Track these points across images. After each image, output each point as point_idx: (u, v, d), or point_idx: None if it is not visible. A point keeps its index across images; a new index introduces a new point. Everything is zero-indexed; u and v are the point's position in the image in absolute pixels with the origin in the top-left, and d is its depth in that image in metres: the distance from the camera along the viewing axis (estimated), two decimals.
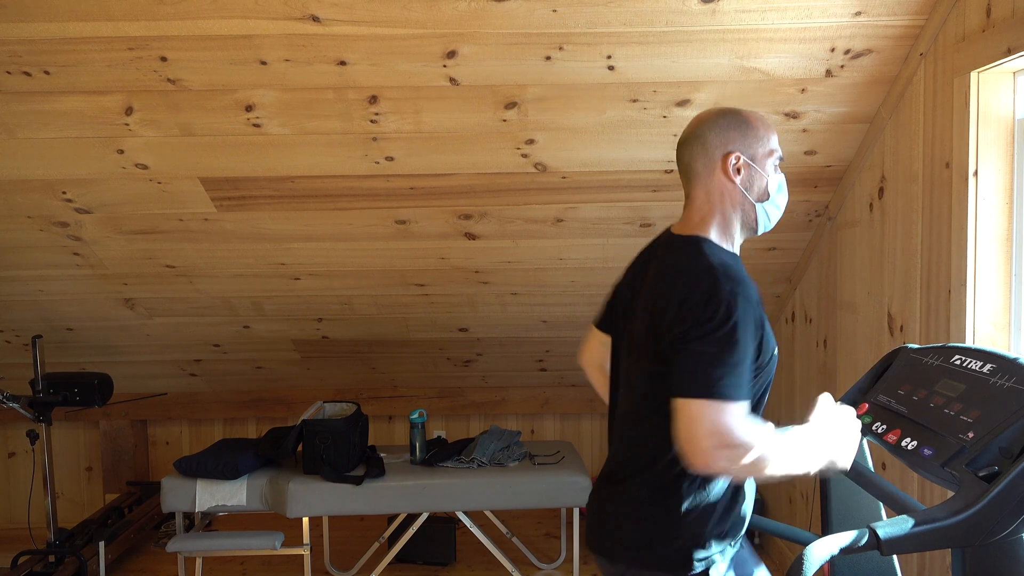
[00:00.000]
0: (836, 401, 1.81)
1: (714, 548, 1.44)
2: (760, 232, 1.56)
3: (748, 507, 1.51)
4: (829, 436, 1.45)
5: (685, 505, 1.43)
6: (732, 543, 1.48)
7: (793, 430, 1.40)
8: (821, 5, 2.19)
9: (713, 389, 1.30)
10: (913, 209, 2.36)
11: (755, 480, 1.43)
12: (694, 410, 1.31)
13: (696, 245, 1.47)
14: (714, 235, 1.49)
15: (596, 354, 1.75)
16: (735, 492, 1.47)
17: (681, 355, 1.35)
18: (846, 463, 1.47)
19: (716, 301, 1.35)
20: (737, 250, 1.54)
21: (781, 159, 1.54)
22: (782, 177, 1.55)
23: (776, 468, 1.34)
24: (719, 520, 1.45)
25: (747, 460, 1.29)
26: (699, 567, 1.43)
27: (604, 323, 1.71)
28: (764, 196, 1.52)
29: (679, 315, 1.36)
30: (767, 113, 2.49)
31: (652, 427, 1.44)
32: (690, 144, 1.52)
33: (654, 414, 1.42)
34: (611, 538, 1.52)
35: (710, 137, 1.49)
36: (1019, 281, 2.07)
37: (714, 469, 1.31)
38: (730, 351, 1.33)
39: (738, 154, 1.48)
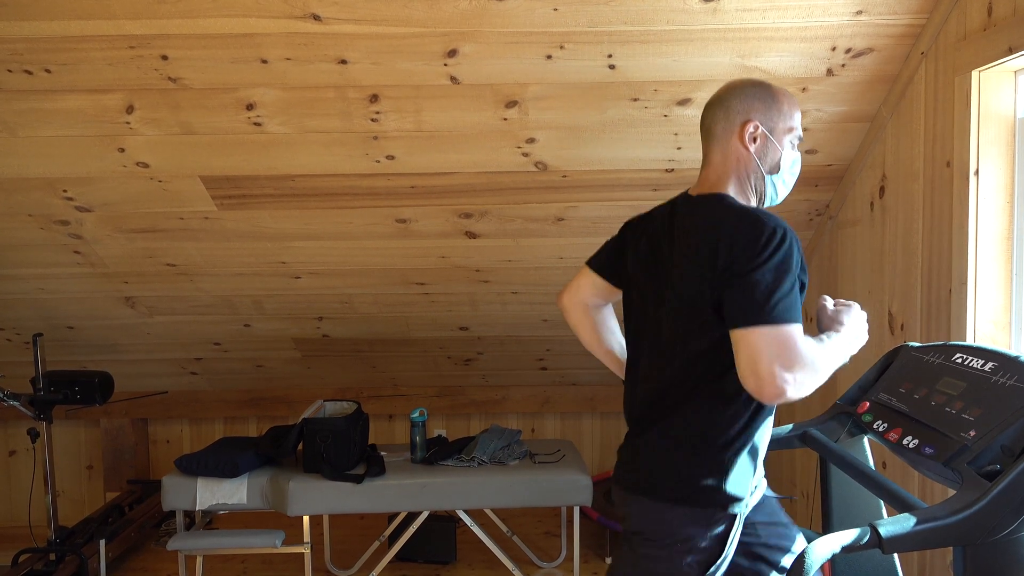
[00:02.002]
0: (837, 399, 1.81)
1: (745, 484, 1.49)
2: (767, 205, 1.59)
3: (766, 443, 1.57)
4: (854, 332, 1.55)
5: (720, 441, 1.48)
6: (757, 481, 1.54)
7: (832, 338, 1.50)
8: (822, 4, 2.19)
9: (772, 315, 1.34)
10: (914, 208, 2.36)
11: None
12: (754, 338, 1.35)
13: (722, 199, 1.52)
14: (732, 194, 1.54)
15: (584, 293, 1.80)
16: (759, 429, 1.52)
17: (737, 289, 1.38)
18: (863, 343, 1.58)
19: (764, 235, 1.39)
20: None
21: (800, 139, 1.59)
22: (798, 155, 1.60)
23: (826, 376, 1.41)
24: (749, 457, 1.50)
25: (809, 378, 1.35)
26: (733, 503, 1.48)
27: (606, 271, 1.75)
28: (775, 169, 1.56)
29: (732, 257, 1.40)
30: None
31: (685, 371, 1.49)
32: (714, 108, 1.57)
33: (703, 362, 1.47)
34: (651, 476, 1.55)
35: (734, 103, 1.54)
36: (1020, 280, 2.08)
37: (783, 394, 1.34)
38: (782, 277, 1.37)
39: (757, 123, 1.53)
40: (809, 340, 1.41)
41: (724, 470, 1.48)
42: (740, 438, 1.49)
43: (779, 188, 1.59)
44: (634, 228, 1.69)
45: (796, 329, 1.35)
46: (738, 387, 1.41)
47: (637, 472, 1.57)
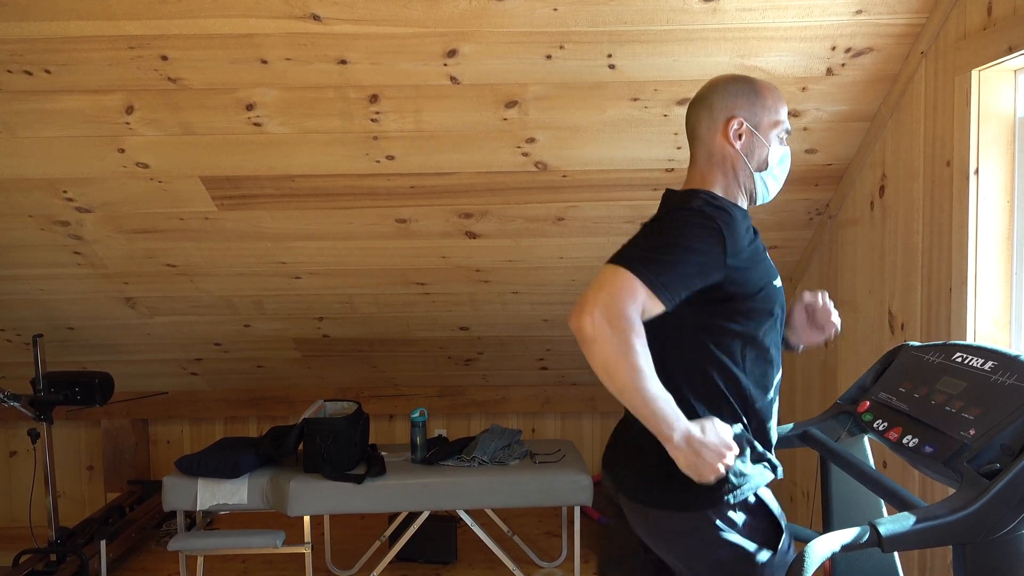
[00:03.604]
0: (837, 399, 1.81)
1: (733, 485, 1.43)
2: (758, 203, 1.57)
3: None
4: (682, 439, 1.32)
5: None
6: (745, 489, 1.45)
7: (667, 400, 1.31)
8: (822, 4, 2.19)
9: (631, 262, 1.33)
10: (914, 207, 2.36)
11: (611, 384, 1.31)
12: (604, 272, 1.33)
13: (692, 193, 1.50)
14: (719, 191, 1.52)
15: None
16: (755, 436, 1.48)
17: (629, 241, 1.40)
18: (698, 478, 1.35)
19: (679, 210, 1.41)
20: (745, 208, 1.56)
21: (788, 132, 1.55)
22: (786, 150, 1.56)
23: (620, 386, 1.29)
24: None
25: (610, 341, 1.26)
26: (711, 501, 1.42)
27: None
28: (763, 166, 1.53)
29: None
30: None
31: (678, 373, 1.45)
32: (697, 106, 1.55)
33: (660, 360, 1.39)
34: (630, 477, 1.53)
35: (716, 100, 1.51)
36: (1020, 279, 2.08)
37: (581, 327, 1.28)
38: (667, 245, 1.36)
39: (741, 120, 1.50)
40: (645, 353, 1.28)
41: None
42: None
43: (770, 185, 1.55)
44: None
45: (638, 286, 1.29)
46: (721, 385, 1.41)
47: (615, 465, 1.58)
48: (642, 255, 1.35)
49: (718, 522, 1.42)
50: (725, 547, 1.42)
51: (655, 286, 1.31)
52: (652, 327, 1.35)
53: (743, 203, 1.55)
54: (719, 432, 1.35)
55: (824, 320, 1.70)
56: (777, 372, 1.54)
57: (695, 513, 1.43)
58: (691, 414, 1.41)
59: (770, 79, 2.40)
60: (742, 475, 1.43)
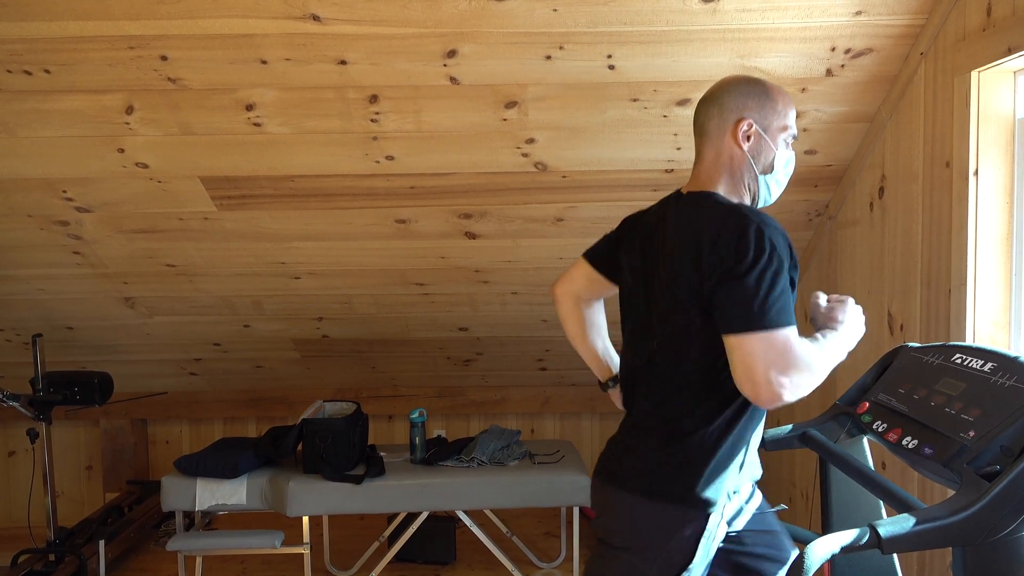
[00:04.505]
0: (836, 400, 1.81)
1: (719, 486, 1.47)
2: (760, 205, 1.57)
3: (752, 446, 1.55)
4: (852, 328, 1.53)
5: (695, 438, 1.46)
6: (738, 486, 1.52)
7: (829, 337, 1.48)
8: (821, 4, 2.19)
9: (763, 320, 1.32)
10: (913, 208, 2.36)
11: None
12: (749, 345, 1.32)
13: (709, 196, 1.51)
14: (722, 192, 1.52)
15: (578, 285, 1.80)
16: (741, 430, 1.50)
17: (726, 293, 1.37)
18: (860, 336, 1.56)
19: (747, 236, 1.37)
20: None
21: (795, 137, 1.56)
22: (791, 154, 1.57)
23: (823, 375, 1.39)
24: (729, 459, 1.48)
25: (806, 380, 1.34)
26: (704, 505, 1.46)
27: (601, 263, 1.75)
28: (768, 169, 1.53)
29: (714, 255, 1.38)
30: None
31: (688, 374, 1.47)
32: (708, 104, 1.55)
33: (690, 362, 1.46)
34: (621, 466, 1.54)
35: (728, 100, 1.52)
36: (1019, 280, 2.08)
37: (779, 399, 1.32)
38: (772, 281, 1.34)
39: (751, 122, 1.50)
40: (804, 342, 1.38)
41: (696, 467, 1.45)
42: (722, 437, 1.46)
43: (772, 188, 1.56)
44: (631, 224, 1.69)
45: (791, 332, 1.33)
46: (727, 388, 1.41)
47: (613, 462, 1.58)
48: (764, 308, 1.33)
49: (707, 526, 1.45)
50: (688, 552, 1.46)
51: (789, 321, 1.35)
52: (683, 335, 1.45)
53: (745, 203, 1.55)
54: (835, 302, 1.57)
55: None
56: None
57: (696, 509, 1.45)
58: (700, 420, 1.46)
59: (770, 80, 2.40)
60: (736, 492, 1.51)
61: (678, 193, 1.59)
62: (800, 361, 1.33)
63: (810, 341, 1.43)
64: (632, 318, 1.63)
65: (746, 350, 1.32)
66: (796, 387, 1.33)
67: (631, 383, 1.62)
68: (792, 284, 1.39)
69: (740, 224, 1.38)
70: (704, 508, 1.45)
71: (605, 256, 1.75)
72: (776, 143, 1.52)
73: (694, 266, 1.41)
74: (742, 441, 1.50)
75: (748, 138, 1.50)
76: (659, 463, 1.49)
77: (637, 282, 1.60)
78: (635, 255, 1.61)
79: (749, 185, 1.53)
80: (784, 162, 1.55)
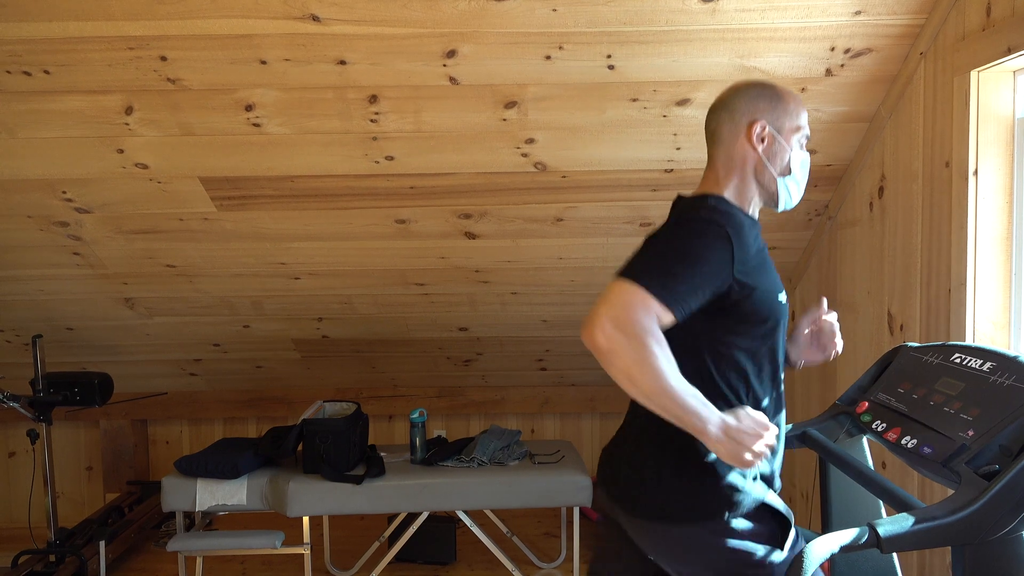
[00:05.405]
0: (836, 399, 1.81)
1: (715, 490, 1.44)
2: (780, 208, 1.57)
3: (743, 480, 1.46)
4: (718, 430, 1.29)
5: (678, 443, 1.43)
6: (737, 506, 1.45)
7: (695, 395, 1.29)
8: (821, 4, 2.19)
9: (639, 276, 1.32)
10: (913, 208, 2.36)
11: (637, 392, 1.30)
12: (612, 287, 1.33)
13: (701, 199, 1.50)
14: (729, 194, 1.52)
15: None
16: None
17: (635, 253, 1.41)
18: (741, 466, 1.31)
19: (689, 221, 1.42)
20: (755, 216, 1.55)
21: (807, 138, 1.56)
22: (806, 155, 1.57)
23: (647, 384, 1.27)
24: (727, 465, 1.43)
25: (624, 351, 1.26)
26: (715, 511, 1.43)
27: None
28: (786, 171, 1.53)
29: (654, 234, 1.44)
30: None
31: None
32: (718, 110, 1.55)
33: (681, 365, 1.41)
34: (628, 493, 1.52)
35: (739, 104, 1.52)
36: (1019, 280, 2.08)
37: (592, 339, 1.28)
38: (675, 255, 1.36)
39: (764, 123, 1.50)
40: (665, 348, 1.28)
41: (691, 476, 1.43)
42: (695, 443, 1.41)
43: (793, 191, 1.55)
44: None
45: (648, 299, 1.29)
46: (721, 393, 1.41)
47: (612, 483, 1.56)
48: (650, 267, 1.34)
49: (720, 532, 1.42)
50: (731, 554, 1.42)
51: (665, 297, 1.30)
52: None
53: (755, 209, 1.54)
54: (752, 416, 1.32)
55: (827, 341, 1.71)
56: (778, 386, 1.54)
57: (696, 525, 1.43)
58: None
59: (769, 80, 2.40)
60: (740, 491, 1.44)
61: (677, 197, 1.59)
62: (633, 326, 1.26)
63: (677, 376, 1.29)
64: None
65: (608, 290, 1.33)
66: (611, 344, 1.26)
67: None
68: (731, 289, 1.37)
69: (691, 210, 1.45)
70: (710, 515, 1.43)
71: None
72: (790, 144, 1.52)
73: None
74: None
75: (763, 140, 1.50)
76: (651, 483, 1.47)
77: None
78: None
79: (768, 187, 1.53)
80: (800, 163, 1.54)
